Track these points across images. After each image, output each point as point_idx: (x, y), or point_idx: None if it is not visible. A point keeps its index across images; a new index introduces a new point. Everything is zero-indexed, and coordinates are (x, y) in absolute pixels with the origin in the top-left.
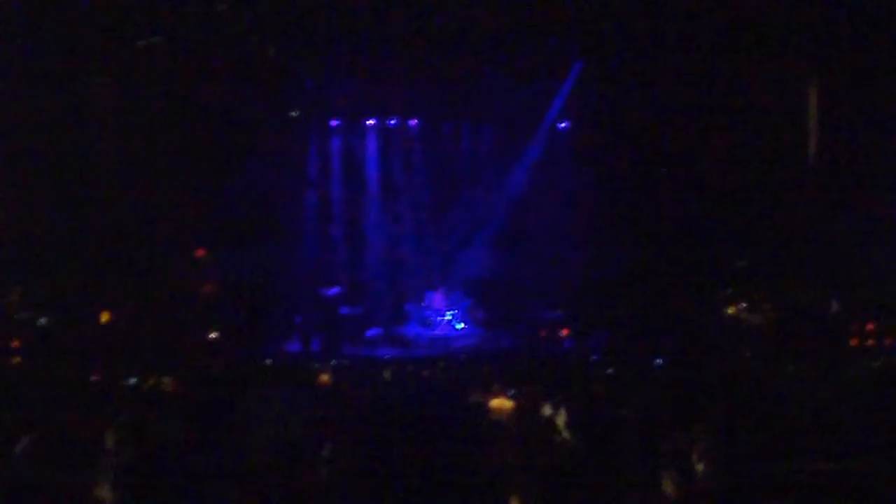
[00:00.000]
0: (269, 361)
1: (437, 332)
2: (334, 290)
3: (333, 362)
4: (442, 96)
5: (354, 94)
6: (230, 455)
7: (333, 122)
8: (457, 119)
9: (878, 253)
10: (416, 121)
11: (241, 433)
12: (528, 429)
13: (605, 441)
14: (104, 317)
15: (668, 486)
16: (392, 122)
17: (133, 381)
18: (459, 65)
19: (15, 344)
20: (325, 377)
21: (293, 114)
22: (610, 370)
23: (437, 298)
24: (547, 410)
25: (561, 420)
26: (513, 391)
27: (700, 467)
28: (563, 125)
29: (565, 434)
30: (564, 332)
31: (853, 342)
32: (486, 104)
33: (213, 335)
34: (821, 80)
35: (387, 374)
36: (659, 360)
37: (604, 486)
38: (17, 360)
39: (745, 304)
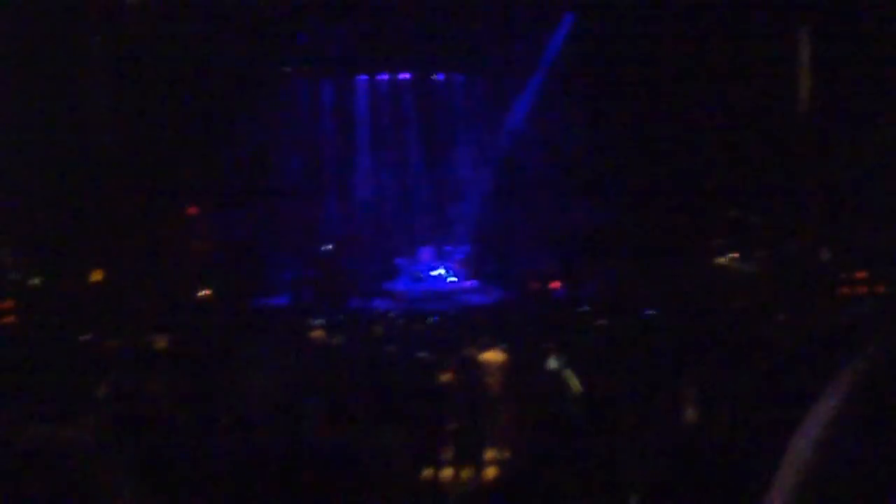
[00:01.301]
0: (260, 317)
1: (428, 286)
2: (323, 247)
3: (322, 320)
4: (433, 50)
5: (345, 49)
6: (221, 410)
7: (324, 79)
8: (448, 73)
9: (869, 202)
10: (407, 75)
11: (233, 388)
12: (531, 381)
13: (605, 393)
14: (96, 275)
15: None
16: (383, 76)
17: (125, 338)
18: (450, 18)
19: (7, 304)
20: (317, 332)
21: (285, 69)
22: (601, 321)
23: (428, 253)
24: (553, 364)
25: (569, 373)
26: (505, 344)
27: (692, 414)
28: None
29: (573, 386)
30: (555, 285)
31: (844, 290)
32: (477, 57)
33: (205, 292)
34: (810, 29)
35: (378, 330)
36: (650, 311)
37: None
38: (9, 319)
39: (736, 254)
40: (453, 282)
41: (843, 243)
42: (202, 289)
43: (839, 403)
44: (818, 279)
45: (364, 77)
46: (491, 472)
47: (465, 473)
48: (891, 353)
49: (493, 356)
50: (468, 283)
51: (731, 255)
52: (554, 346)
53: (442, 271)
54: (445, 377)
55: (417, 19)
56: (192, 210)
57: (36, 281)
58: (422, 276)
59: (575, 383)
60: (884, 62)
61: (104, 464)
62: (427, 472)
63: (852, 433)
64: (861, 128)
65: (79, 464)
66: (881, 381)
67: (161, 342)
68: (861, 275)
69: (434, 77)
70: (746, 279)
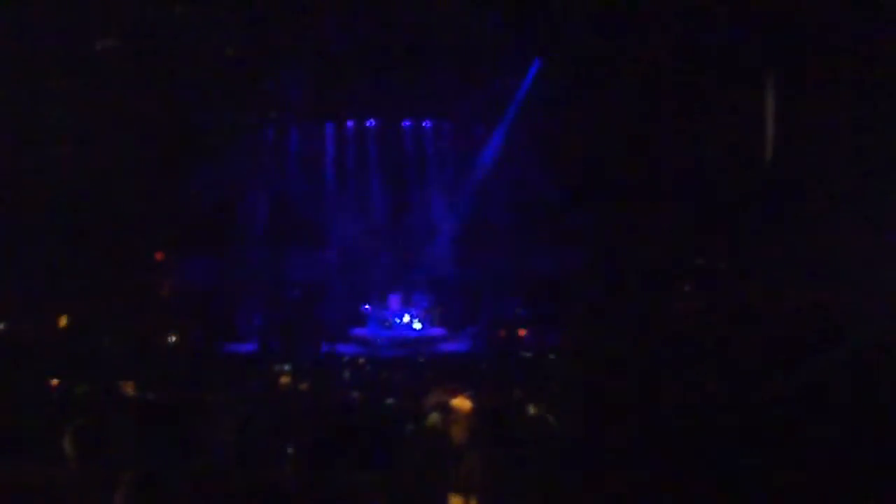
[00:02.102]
0: (228, 363)
1: (396, 332)
2: (294, 292)
3: (290, 365)
4: (400, 96)
5: (312, 96)
6: (191, 457)
7: (292, 125)
8: (415, 119)
9: (836, 252)
10: (373, 121)
11: (202, 436)
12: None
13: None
14: (62, 321)
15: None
16: (350, 123)
17: (92, 385)
18: (417, 65)
19: None
20: (284, 379)
21: (251, 116)
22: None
23: (396, 299)
24: (532, 409)
25: (550, 417)
26: (474, 391)
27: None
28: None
29: (554, 427)
30: (522, 333)
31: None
32: (444, 103)
33: (172, 338)
34: (777, 85)
35: (346, 375)
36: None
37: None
38: None
39: (702, 300)
40: (421, 329)
41: (808, 293)
42: (170, 334)
43: None
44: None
45: (330, 124)
46: None
47: None
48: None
49: (461, 402)
50: (436, 331)
51: (697, 300)
52: (524, 392)
53: (409, 318)
54: (413, 423)
55: (384, 66)
56: (160, 256)
57: (1, 326)
58: (389, 322)
59: (550, 427)
60: (853, 106)
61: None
62: None
63: None
64: (830, 175)
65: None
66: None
67: (129, 388)
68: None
69: (401, 123)
70: (713, 325)
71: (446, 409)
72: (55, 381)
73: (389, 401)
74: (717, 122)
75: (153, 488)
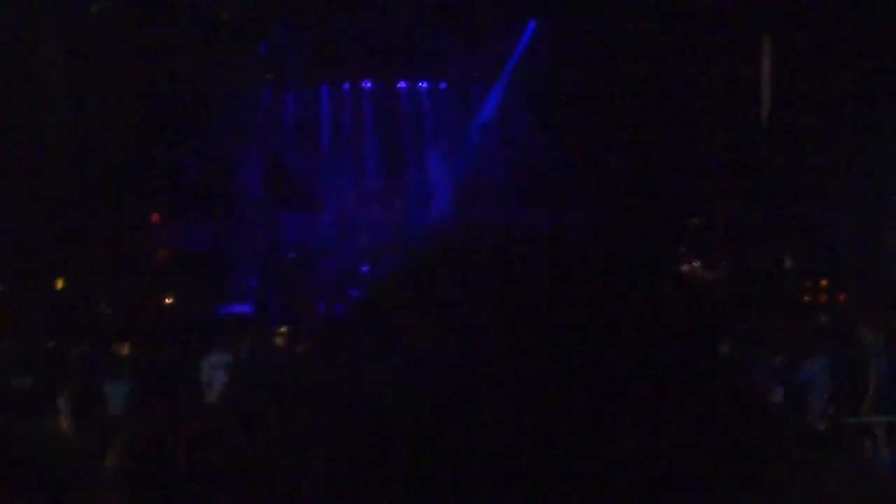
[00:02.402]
0: (224, 325)
1: None
2: (290, 254)
3: (286, 327)
4: (396, 58)
5: (307, 58)
6: (186, 418)
7: (287, 88)
8: (411, 80)
9: (831, 211)
10: (369, 83)
11: (197, 397)
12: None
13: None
14: (59, 283)
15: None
16: (345, 85)
17: (88, 346)
18: (413, 26)
19: None
20: (279, 340)
21: (246, 78)
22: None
23: (392, 261)
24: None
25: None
26: None
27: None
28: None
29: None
30: None
31: (806, 298)
32: (440, 65)
33: (168, 300)
34: (773, 37)
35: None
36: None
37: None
38: None
39: (699, 262)
40: None
41: (806, 252)
42: (166, 296)
43: None
44: (781, 287)
45: (326, 86)
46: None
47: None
48: None
49: None
50: None
51: (694, 263)
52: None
53: None
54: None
55: (380, 28)
56: (155, 218)
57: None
58: None
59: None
60: (847, 71)
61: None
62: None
63: None
64: (825, 136)
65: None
66: None
67: (125, 349)
68: (823, 283)
69: (397, 85)
70: (709, 287)
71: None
72: (52, 344)
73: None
74: (714, 86)
75: (147, 449)
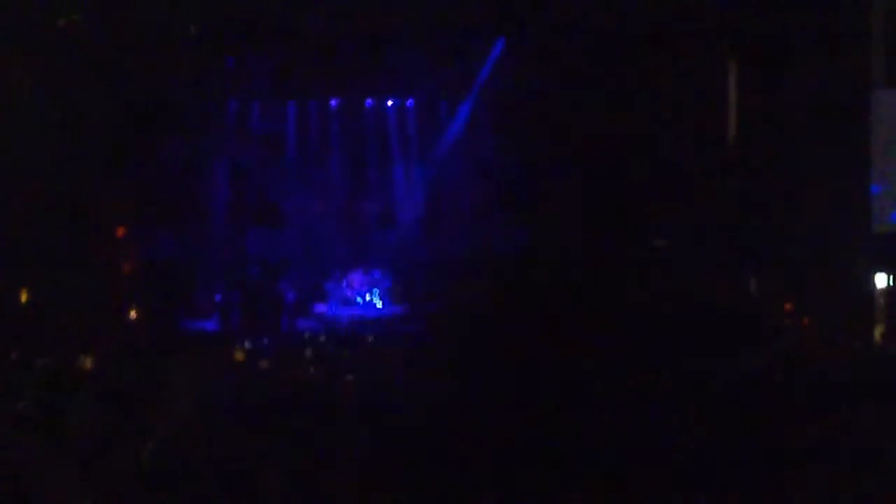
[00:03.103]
0: (188, 340)
1: (357, 310)
2: (254, 269)
3: (249, 343)
4: (362, 75)
5: (274, 74)
6: (147, 435)
7: (254, 103)
8: (378, 98)
9: (796, 233)
10: (335, 100)
11: (159, 413)
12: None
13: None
14: (22, 296)
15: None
16: (312, 101)
17: (50, 359)
18: (381, 43)
19: None
20: (239, 356)
21: (213, 93)
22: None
23: (357, 278)
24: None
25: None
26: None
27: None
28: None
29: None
30: None
31: (769, 321)
32: (407, 82)
33: (133, 314)
34: (739, 63)
35: (307, 353)
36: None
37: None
38: None
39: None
40: (382, 307)
41: (770, 275)
42: (129, 310)
43: None
44: (744, 310)
45: (293, 102)
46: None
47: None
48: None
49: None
50: (397, 309)
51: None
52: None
53: (371, 297)
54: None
55: (346, 44)
56: (120, 231)
57: None
58: (350, 300)
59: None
60: (814, 88)
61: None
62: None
63: None
64: (792, 156)
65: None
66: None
67: (87, 362)
68: (788, 306)
69: (363, 102)
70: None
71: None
72: (14, 357)
73: (350, 378)
74: (681, 100)
75: (108, 464)
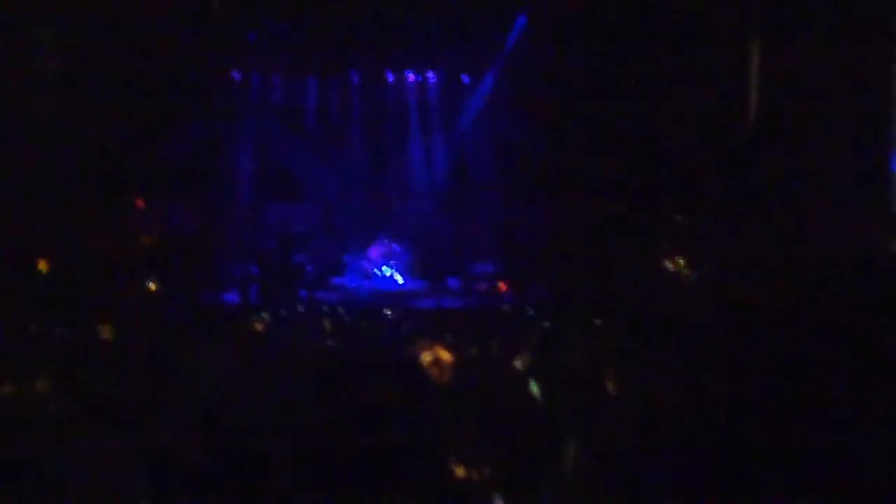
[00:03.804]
0: (207, 312)
1: (376, 284)
2: (271, 242)
3: (268, 315)
4: (384, 48)
5: (296, 48)
6: (167, 405)
7: (275, 77)
8: (399, 72)
9: (815, 209)
10: (356, 75)
11: (179, 384)
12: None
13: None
14: (42, 265)
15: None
16: (333, 76)
17: (70, 328)
18: (402, 17)
19: None
20: (258, 326)
21: (235, 67)
22: (546, 323)
23: (377, 251)
24: (518, 364)
25: (533, 374)
26: (455, 344)
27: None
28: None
29: (534, 388)
30: (503, 286)
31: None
32: (429, 56)
33: (152, 285)
34: (760, 39)
35: (326, 325)
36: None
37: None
38: None
39: (682, 259)
40: (401, 281)
41: (790, 248)
42: (149, 282)
43: None
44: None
45: (314, 76)
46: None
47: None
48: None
49: (440, 354)
50: (416, 283)
51: (677, 259)
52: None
53: (390, 270)
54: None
55: (368, 17)
56: (140, 203)
57: None
58: (370, 273)
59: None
60: (832, 72)
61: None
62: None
63: None
64: (809, 133)
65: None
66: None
67: (106, 332)
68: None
69: (385, 76)
70: (692, 283)
71: (428, 361)
72: (35, 327)
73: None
74: (703, 76)
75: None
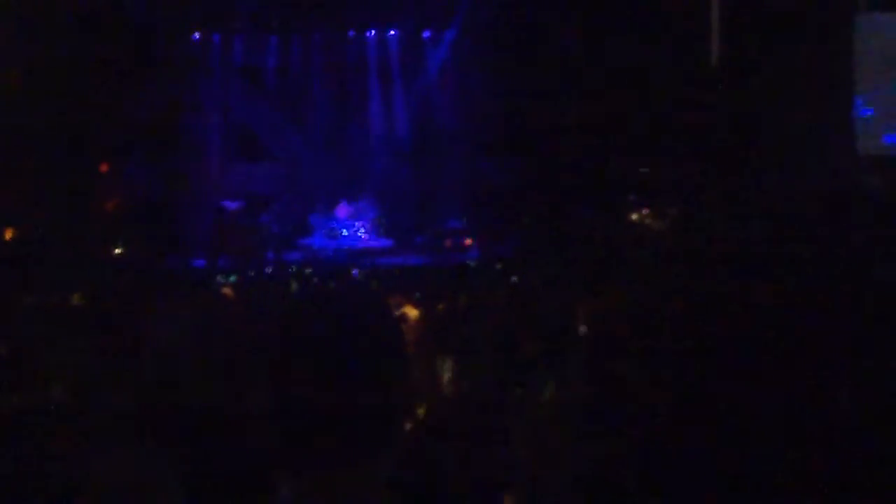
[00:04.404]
0: (174, 276)
1: (343, 242)
2: (236, 203)
3: (235, 276)
4: (345, 6)
5: (256, 7)
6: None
7: (236, 37)
8: (359, 29)
9: (780, 159)
10: (319, 34)
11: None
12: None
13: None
14: (7, 233)
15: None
16: (294, 35)
17: (38, 295)
18: None
19: None
20: (227, 290)
21: (194, 27)
22: (514, 278)
23: (343, 210)
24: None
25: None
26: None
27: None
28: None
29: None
30: (468, 242)
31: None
32: (389, 13)
33: (117, 250)
34: None
35: (293, 286)
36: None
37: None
38: None
39: (647, 210)
40: (368, 239)
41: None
42: (115, 246)
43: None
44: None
45: (275, 35)
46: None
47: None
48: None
49: (409, 311)
50: (383, 241)
51: (642, 211)
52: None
53: (356, 228)
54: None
55: None
56: (104, 167)
57: None
58: (337, 232)
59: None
60: (796, 21)
61: None
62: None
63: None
64: (772, 84)
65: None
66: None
67: (75, 299)
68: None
69: (346, 33)
70: (657, 235)
71: (398, 317)
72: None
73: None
74: (664, 21)
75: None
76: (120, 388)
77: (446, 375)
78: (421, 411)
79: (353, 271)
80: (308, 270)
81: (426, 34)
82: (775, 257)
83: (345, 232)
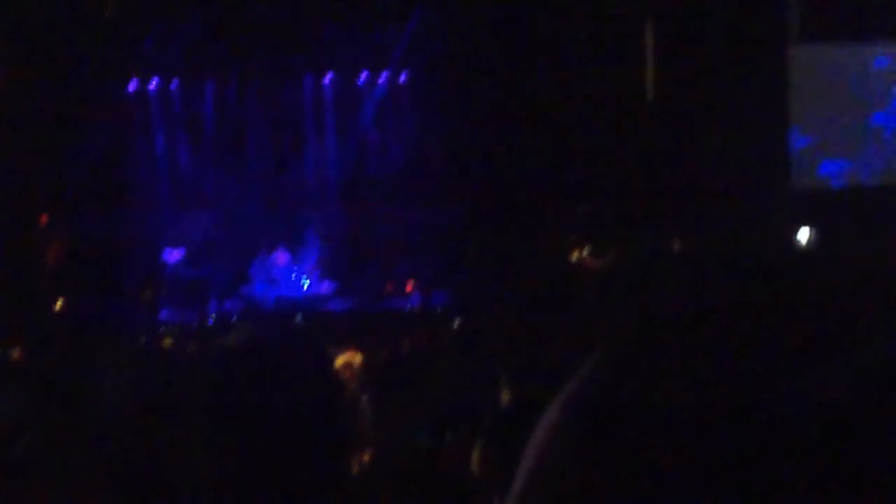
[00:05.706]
0: (115, 327)
1: (284, 290)
2: (176, 251)
3: (176, 326)
4: (280, 49)
5: (192, 53)
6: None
7: (173, 83)
8: (297, 73)
9: (723, 193)
10: (255, 76)
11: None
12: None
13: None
14: None
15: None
16: (231, 79)
17: None
18: (297, 17)
19: None
20: (167, 341)
21: (131, 75)
22: (456, 322)
23: (283, 257)
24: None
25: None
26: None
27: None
28: (402, 77)
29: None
30: (409, 287)
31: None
32: (326, 55)
33: (59, 303)
34: (658, 22)
35: (233, 336)
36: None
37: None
38: None
39: (588, 249)
40: (309, 285)
41: (697, 235)
42: (57, 299)
43: (559, 409)
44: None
45: (211, 81)
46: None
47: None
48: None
49: (350, 357)
50: (324, 287)
51: (584, 249)
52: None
53: (297, 275)
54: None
55: (263, 18)
56: (43, 218)
57: None
58: (277, 280)
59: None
60: (735, 52)
61: None
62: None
63: (569, 439)
64: (714, 118)
65: None
66: (599, 387)
67: (15, 353)
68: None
69: (283, 78)
70: (599, 273)
71: (338, 365)
72: None
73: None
74: (600, 64)
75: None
76: (59, 441)
77: (389, 421)
78: (364, 458)
79: (294, 318)
80: (247, 320)
81: (362, 77)
82: (715, 291)
83: (285, 279)
